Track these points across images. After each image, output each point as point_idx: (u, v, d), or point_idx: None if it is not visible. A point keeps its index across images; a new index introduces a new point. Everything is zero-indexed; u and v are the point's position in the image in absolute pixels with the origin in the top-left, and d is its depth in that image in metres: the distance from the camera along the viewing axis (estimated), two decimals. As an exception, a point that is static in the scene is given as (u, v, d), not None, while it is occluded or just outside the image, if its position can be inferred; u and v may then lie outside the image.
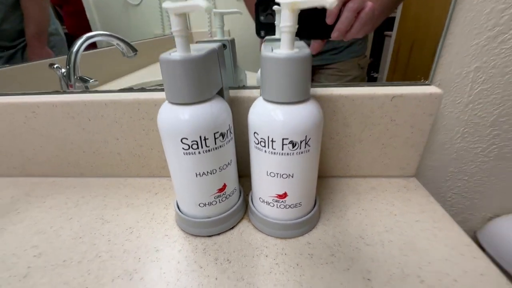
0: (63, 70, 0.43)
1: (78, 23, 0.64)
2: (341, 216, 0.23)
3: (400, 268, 0.18)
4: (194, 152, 0.18)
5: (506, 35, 0.22)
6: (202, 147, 0.18)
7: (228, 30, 0.80)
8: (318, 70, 0.83)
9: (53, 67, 0.43)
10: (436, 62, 0.24)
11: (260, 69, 0.21)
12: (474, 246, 0.20)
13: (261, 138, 0.18)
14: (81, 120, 0.27)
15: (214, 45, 0.20)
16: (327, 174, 0.28)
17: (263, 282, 0.18)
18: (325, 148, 0.27)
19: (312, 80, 0.72)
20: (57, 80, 0.42)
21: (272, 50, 0.17)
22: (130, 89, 0.27)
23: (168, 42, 0.88)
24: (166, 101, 0.19)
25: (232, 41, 0.30)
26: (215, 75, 0.19)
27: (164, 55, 0.17)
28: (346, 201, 0.25)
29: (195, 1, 0.15)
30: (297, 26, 0.16)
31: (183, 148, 0.18)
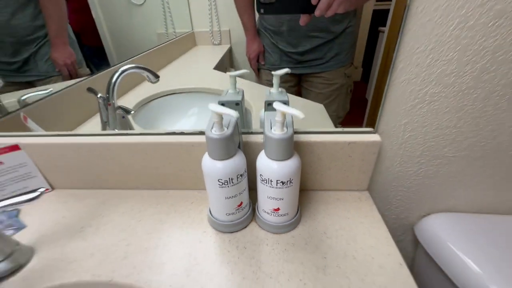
0: (100, 94, 0.55)
1: (82, 20, 0.69)
2: (314, 219, 0.36)
3: (343, 251, 0.32)
4: (225, 186, 0.31)
5: (422, 104, 0.35)
6: (229, 183, 0.31)
7: (229, 30, 0.96)
8: (306, 78, 0.97)
9: (98, 96, 0.55)
10: (379, 119, 0.36)
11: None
12: (390, 238, 0.33)
13: (264, 178, 0.31)
14: (141, 154, 0.39)
15: (234, 117, 0.32)
16: (308, 188, 0.41)
17: (265, 260, 0.31)
18: (306, 172, 0.39)
19: (302, 87, 0.85)
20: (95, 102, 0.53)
21: (271, 128, 0.30)
22: (173, 133, 0.39)
23: (168, 49, 1.01)
24: (207, 154, 0.31)
25: (243, 97, 0.42)
26: (236, 138, 0.31)
27: (208, 133, 0.29)
28: (319, 208, 0.38)
29: (229, 111, 0.27)
30: (286, 120, 0.28)
31: (218, 184, 0.31)
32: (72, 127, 0.58)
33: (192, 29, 1.55)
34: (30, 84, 0.60)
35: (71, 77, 0.65)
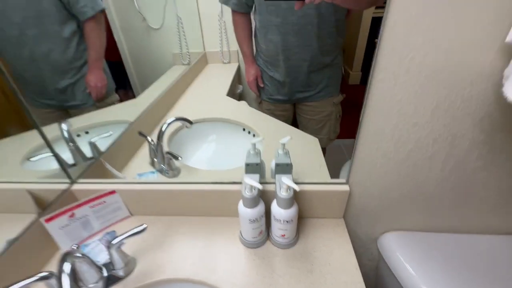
0: (150, 138, 0.75)
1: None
2: (307, 239, 0.57)
3: (324, 260, 0.52)
4: (252, 223, 0.51)
5: (375, 168, 0.54)
6: (255, 221, 0.51)
7: (237, 51, 1.22)
8: (300, 106, 1.19)
9: (149, 141, 0.75)
10: (348, 175, 0.56)
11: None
12: (353, 252, 0.54)
13: (276, 218, 0.51)
14: (193, 196, 0.60)
15: (260, 188, 0.52)
16: (304, 216, 0.62)
17: (276, 266, 0.52)
18: (302, 208, 0.60)
19: (297, 113, 1.08)
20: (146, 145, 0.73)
21: (280, 189, 0.50)
22: (216, 182, 0.60)
23: (187, 77, 1.25)
24: (241, 203, 0.51)
25: (260, 158, 0.62)
26: (259, 193, 0.52)
27: (243, 193, 0.49)
28: (310, 231, 0.59)
29: (256, 184, 0.47)
30: (289, 186, 0.48)
31: (248, 221, 0.51)
32: (126, 162, 0.79)
33: (204, 50, 1.81)
34: (65, 111, 0.73)
35: (96, 99, 0.76)
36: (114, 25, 0.98)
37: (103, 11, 0.77)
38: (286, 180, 0.47)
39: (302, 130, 1.14)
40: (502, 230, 0.63)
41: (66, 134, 0.71)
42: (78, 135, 0.77)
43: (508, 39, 0.36)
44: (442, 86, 0.43)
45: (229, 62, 1.79)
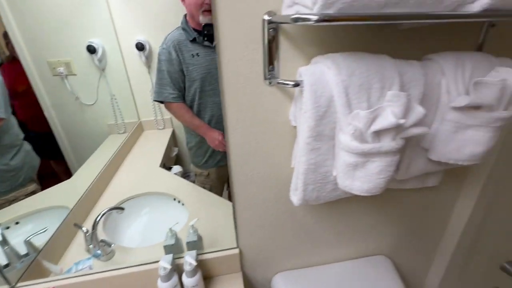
0: (85, 229, 0.90)
1: (29, 112, 0.87)
2: None
3: None
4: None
5: (252, 232, 0.82)
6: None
7: (171, 118, 1.47)
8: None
9: (84, 231, 0.90)
10: (237, 241, 0.82)
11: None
12: None
13: (185, 285, 0.73)
14: (125, 277, 0.77)
15: (168, 268, 0.73)
16: (210, 276, 0.84)
17: None
18: (209, 271, 0.82)
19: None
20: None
21: (185, 263, 0.72)
22: (143, 264, 0.79)
23: (123, 149, 1.40)
24: (159, 278, 0.72)
25: (176, 238, 0.84)
26: (172, 269, 0.73)
27: (159, 272, 0.70)
28: (218, 286, 0.81)
29: (166, 265, 0.69)
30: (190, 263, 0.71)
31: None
32: (63, 252, 0.92)
33: (139, 119, 2.03)
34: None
35: None
36: (44, 103, 1.08)
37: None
38: (188, 258, 0.71)
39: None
40: (348, 257, 0.96)
41: (0, 238, 0.81)
42: (7, 227, 0.83)
43: (292, 165, 0.69)
44: (273, 188, 0.74)
45: (164, 128, 1.98)
